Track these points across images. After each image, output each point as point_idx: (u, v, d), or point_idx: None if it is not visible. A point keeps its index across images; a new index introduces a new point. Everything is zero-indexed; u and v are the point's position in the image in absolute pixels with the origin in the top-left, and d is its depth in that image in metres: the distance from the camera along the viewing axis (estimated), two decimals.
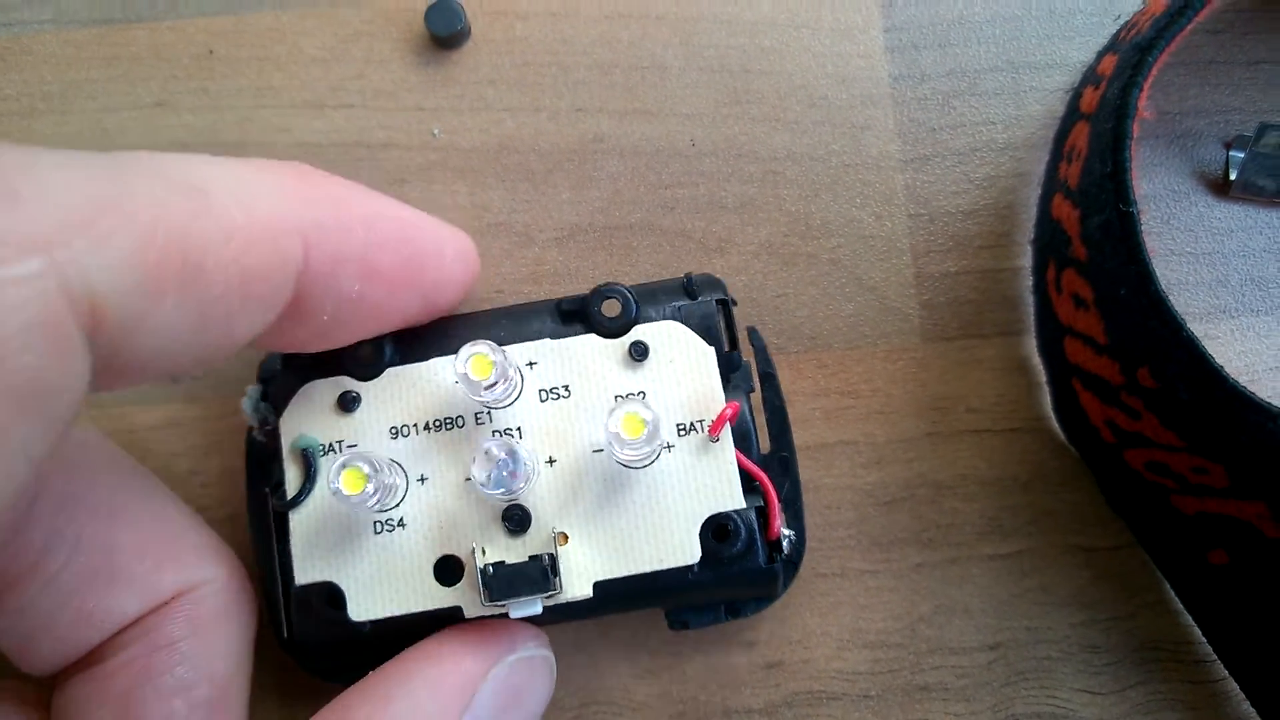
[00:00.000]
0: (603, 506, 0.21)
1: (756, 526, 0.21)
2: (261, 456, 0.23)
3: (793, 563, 0.23)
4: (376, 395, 0.22)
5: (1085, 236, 0.23)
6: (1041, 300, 0.25)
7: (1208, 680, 0.25)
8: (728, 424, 0.22)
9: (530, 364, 0.22)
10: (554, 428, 0.22)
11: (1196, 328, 0.25)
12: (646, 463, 0.22)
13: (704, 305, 0.23)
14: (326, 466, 0.22)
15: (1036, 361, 0.26)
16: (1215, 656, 0.25)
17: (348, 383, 0.22)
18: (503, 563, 0.21)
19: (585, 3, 0.28)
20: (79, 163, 0.15)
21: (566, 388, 0.22)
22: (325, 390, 0.22)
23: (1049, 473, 0.26)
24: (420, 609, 0.21)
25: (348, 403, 0.22)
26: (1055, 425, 0.26)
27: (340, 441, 0.22)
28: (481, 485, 0.20)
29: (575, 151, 0.27)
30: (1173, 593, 0.25)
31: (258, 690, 0.23)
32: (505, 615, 0.21)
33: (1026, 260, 0.26)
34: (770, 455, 0.23)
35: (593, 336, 0.22)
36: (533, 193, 0.27)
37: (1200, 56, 0.27)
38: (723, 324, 0.23)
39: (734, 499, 0.21)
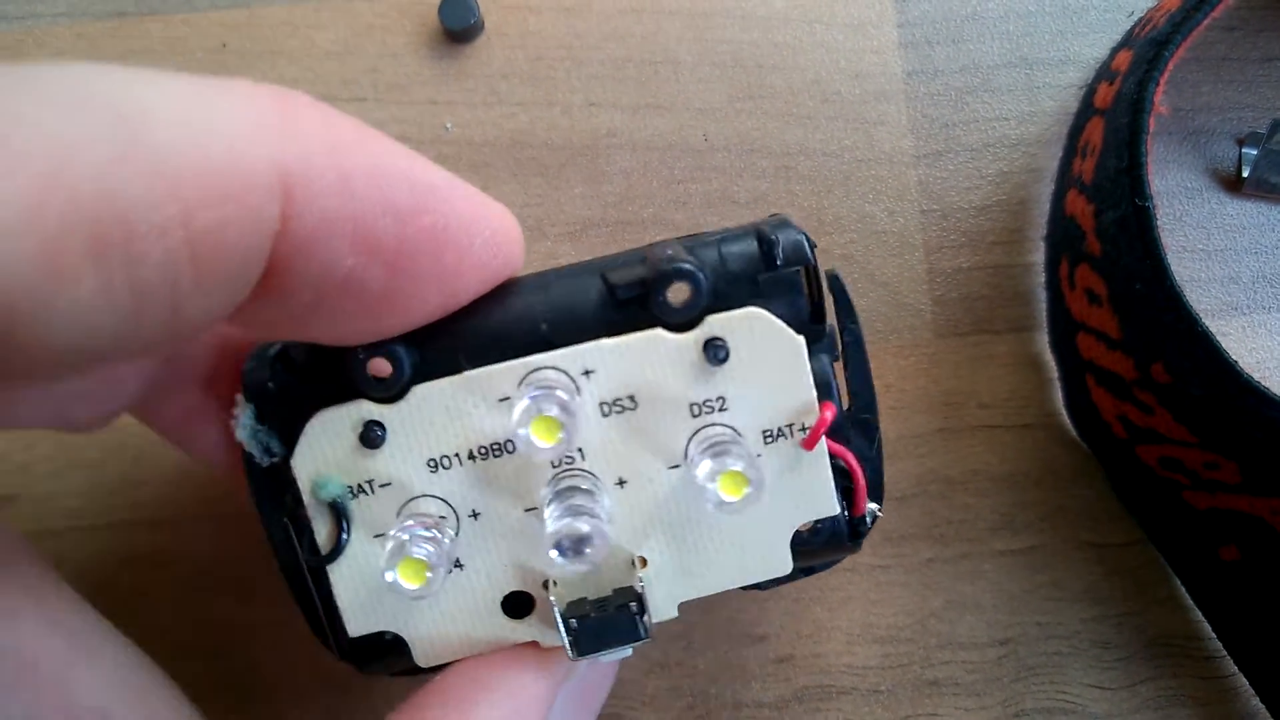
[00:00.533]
0: (684, 526, 0.19)
1: (845, 508, 0.19)
2: (271, 487, 0.19)
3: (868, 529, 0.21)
4: (404, 422, 0.18)
5: (1100, 231, 0.23)
6: (1054, 296, 0.25)
7: (1218, 676, 0.25)
8: (821, 436, 0.19)
9: (586, 372, 0.18)
10: (621, 446, 0.18)
11: (1208, 325, 0.26)
12: None
13: (788, 279, 0.18)
14: (359, 511, 0.18)
15: (1049, 357, 0.26)
16: (1225, 652, 0.25)
17: (367, 409, 0.18)
18: (586, 613, 0.18)
19: None
20: None
21: (632, 398, 0.18)
22: (341, 422, 0.18)
23: (1060, 469, 0.26)
24: (494, 644, 0.19)
25: (372, 437, 0.18)
26: (1067, 421, 0.26)
27: (371, 481, 0.18)
28: (563, 563, 0.17)
29: (588, 146, 0.27)
30: (1183, 589, 0.25)
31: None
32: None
33: (1039, 256, 0.26)
34: (851, 415, 0.20)
35: (658, 332, 0.18)
36: (545, 187, 0.27)
37: (1213, 53, 0.27)
38: (809, 298, 0.19)
39: (829, 506, 0.19)
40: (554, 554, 0.17)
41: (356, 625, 0.19)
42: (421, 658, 0.19)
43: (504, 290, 0.18)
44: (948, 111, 0.27)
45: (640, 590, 0.18)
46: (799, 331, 0.18)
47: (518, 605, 0.19)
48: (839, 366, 0.20)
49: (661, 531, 0.19)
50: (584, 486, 0.18)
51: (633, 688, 0.25)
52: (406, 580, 0.17)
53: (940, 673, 0.25)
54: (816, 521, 0.19)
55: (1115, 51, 0.26)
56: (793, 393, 0.18)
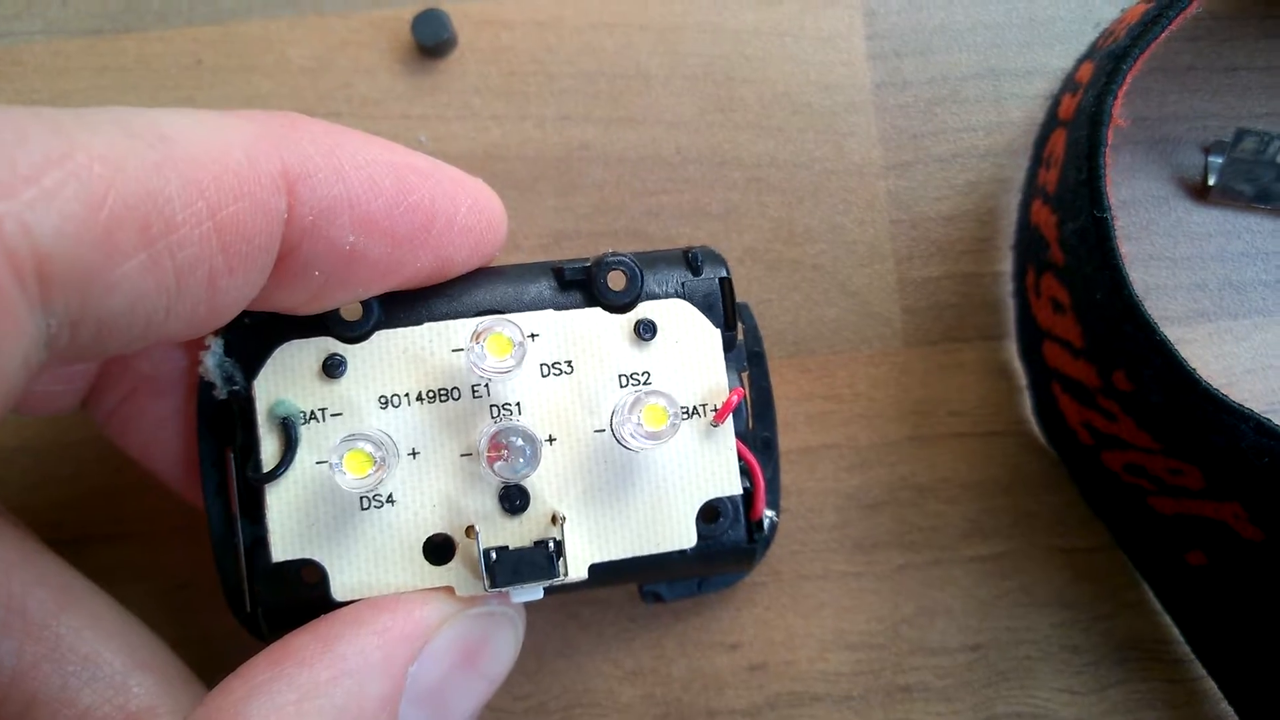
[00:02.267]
0: (602, 489, 0.21)
1: (743, 508, 0.21)
2: (218, 417, 0.21)
3: (766, 541, 0.24)
4: (364, 360, 0.20)
5: (1062, 241, 0.23)
6: (1022, 304, 0.26)
7: (1186, 679, 0.25)
8: (729, 416, 0.21)
9: (532, 335, 0.21)
10: (555, 405, 0.21)
11: (1174, 331, 0.26)
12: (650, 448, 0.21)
13: (707, 282, 0.22)
14: (308, 436, 0.20)
15: (1017, 365, 0.26)
16: (1194, 656, 0.25)
17: (332, 344, 0.20)
18: (505, 547, 0.20)
19: (570, 12, 0.28)
20: (38, 117, 0.14)
21: (569, 363, 0.21)
22: (306, 352, 0.20)
23: (1030, 475, 0.26)
24: (409, 588, 0.20)
25: (332, 367, 0.20)
26: (1036, 428, 0.26)
27: (324, 410, 0.20)
28: (496, 472, 0.19)
29: (561, 159, 0.27)
30: (1151, 593, 0.25)
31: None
32: (504, 596, 0.20)
33: (1007, 265, 0.27)
34: (754, 434, 0.23)
35: (597, 311, 0.21)
36: (519, 200, 0.27)
37: (1179, 63, 0.28)
38: (723, 303, 0.22)
39: (731, 485, 0.21)
40: (489, 457, 0.19)
41: (283, 550, 0.20)
42: (338, 590, 0.20)
43: (469, 275, 0.21)
44: (916, 122, 0.27)
45: (560, 539, 0.20)
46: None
47: (438, 550, 0.20)
48: (746, 379, 0.23)
49: (582, 492, 0.21)
50: (518, 418, 0.21)
51: (606, 696, 0.25)
52: (351, 471, 0.19)
53: (912, 678, 0.25)
54: (719, 506, 0.21)
55: (1079, 63, 0.26)
56: (707, 375, 0.21)
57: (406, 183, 0.19)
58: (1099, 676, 0.25)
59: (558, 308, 0.21)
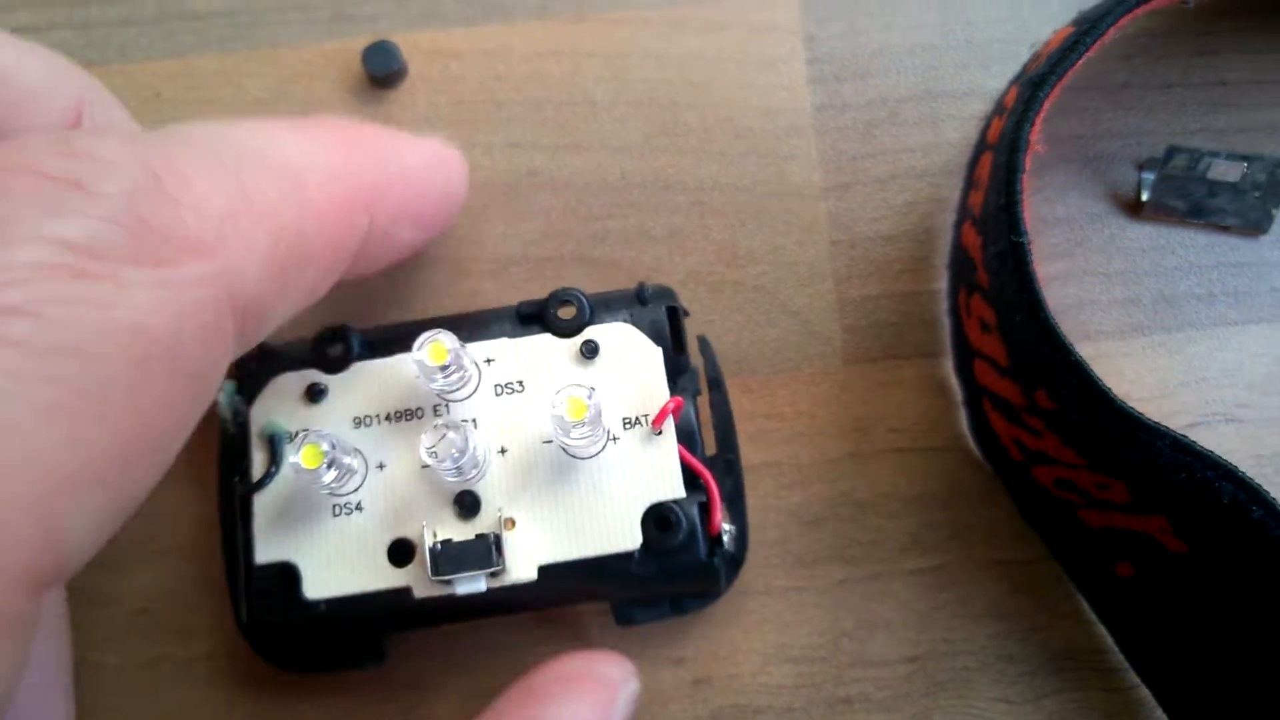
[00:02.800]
0: (549, 493, 0.23)
1: (699, 521, 0.23)
2: (233, 449, 0.24)
3: (735, 561, 0.25)
4: (343, 387, 0.23)
5: (986, 264, 0.23)
6: (955, 323, 0.26)
7: (1122, 688, 0.26)
8: (670, 418, 0.23)
9: (488, 360, 0.24)
10: (507, 420, 0.23)
11: (1109, 345, 0.27)
12: (592, 452, 0.23)
13: (654, 310, 0.24)
14: (292, 452, 0.22)
15: (954, 381, 0.27)
16: (1128, 665, 0.25)
17: (316, 375, 0.24)
18: (450, 540, 0.22)
19: (518, 40, 0.29)
20: (202, 157, 0.16)
21: (520, 383, 0.23)
22: (294, 382, 0.24)
23: (967, 489, 0.26)
24: (372, 588, 0.22)
25: (315, 394, 0.23)
26: (972, 443, 0.27)
27: (305, 430, 0.22)
28: (433, 462, 0.21)
29: (509, 185, 0.28)
30: (1086, 604, 0.26)
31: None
32: (452, 595, 0.22)
33: (944, 283, 0.27)
34: (715, 457, 0.25)
35: (548, 336, 0.24)
36: (468, 226, 0.28)
37: (1113, 81, 0.28)
38: (669, 329, 0.24)
39: (674, 489, 0.23)
40: (426, 443, 0.21)
41: (264, 552, 0.23)
42: (310, 587, 0.22)
43: (443, 318, 0.25)
44: (856, 144, 0.28)
45: (499, 533, 0.22)
46: (665, 362, 0.24)
47: (401, 553, 0.22)
48: (703, 404, 0.25)
49: (531, 497, 0.23)
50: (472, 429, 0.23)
51: None
52: (305, 462, 0.21)
53: (852, 690, 0.26)
54: (670, 515, 0.22)
55: (1009, 87, 0.26)
56: (649, 389, 0.23)
57: (435, 177, 0.23)
58: (1035, 686, 0.26)
59: (513, 336, 0.24)
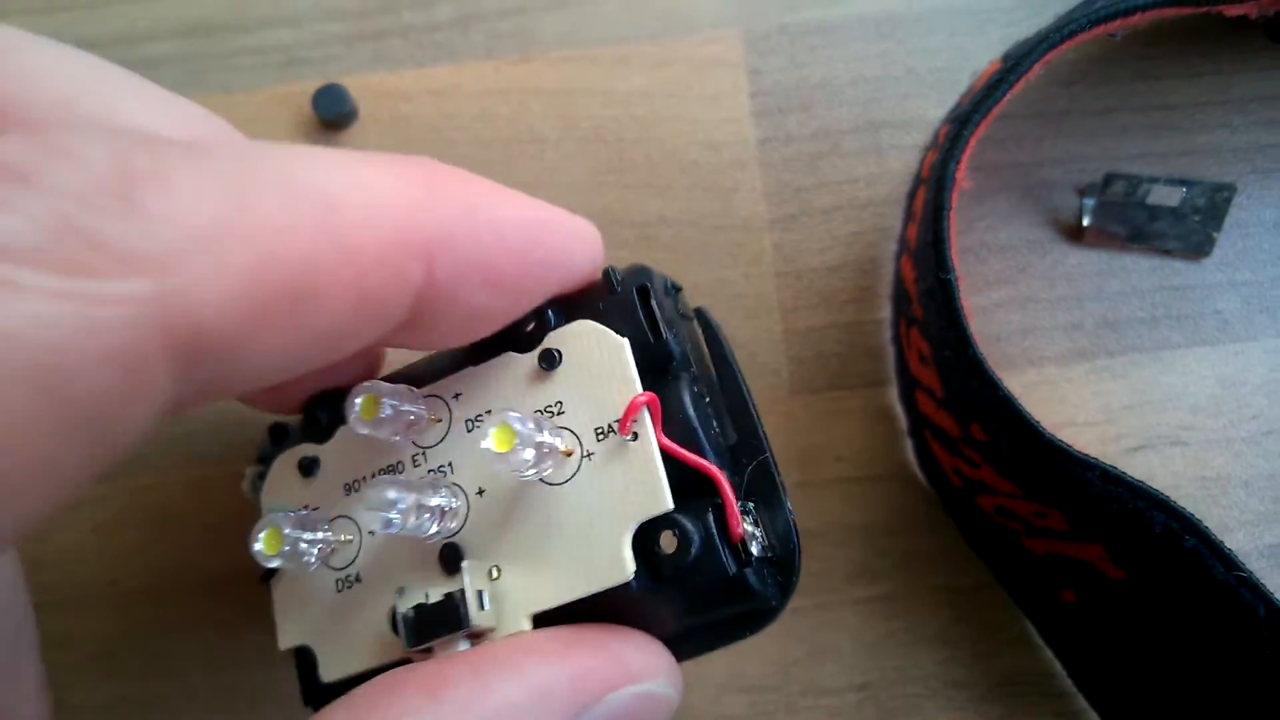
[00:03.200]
0: (532, 532, 0.20)
1: (715, 529, 0.18)
2: None
3: (784, 565, 0.20)
4: (332, 455, 0.22)
5: (919, 297, 0.24)
6: (898, 352, 0.27)
7: (1070, 713, 0.26)
8: (645, 418, 0.19)
9: (456, 395, 0.21)
10: (479, 457, 0.20)
11: (1054, 371, 0.27)
12: (566, 476, 0.20)
13: (626, 296, 0.20)
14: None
15: (899, 410, 0.27)
16: (1076, 689, 0.26)
17: (308, 449, 0.22)
18: (423, 604, 0.19)
19: (466, 80, 0.29)
20: (210, 165, 0.14)
21: (488, 412, 0.21)
22: (291, 459, 0.22)
23: (914, 517, 0.27)
24: (377, 663, 0.20)
25: (307, 466, 0.22)
26: (917, 471, 0.27)
27: (305, 506, 0.22)
28: (379, 529, 0.19)
29: None
30: (1033, 629, 0.26)
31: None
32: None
33: (888, 312, 0.28)
34: (736, 446, 0.20)
35: (509, 354, 0.21)
36: None
37: (1054, 107, 0.29)
38: (641, 312, 0.20)
39: (659, 501, 0.19)
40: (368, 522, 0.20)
41: (286, 638, 0.21)
42: (325, 670, 0.21)
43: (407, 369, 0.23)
44: (800, 176, 0.28)
45: (479, 589, 0.19)
46: (646, 350, 0.20)
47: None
48: (717, 399, 0.21)
49: (513, 540, 0.20)
50: (443, 488, 0.20)
51: None
52: (266, 549, 0.19)
53: (804, 718, 0.26)
54: (675, 530, 0.18)
55: (942, 123, 0.27)
56: (618, 388, 0.19)
57: (534, 239, 0.19)
58: (984, 711, 0.26)
59: (477, 363, 0.21)
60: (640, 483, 0.19)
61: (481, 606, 0.19)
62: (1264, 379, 0.27)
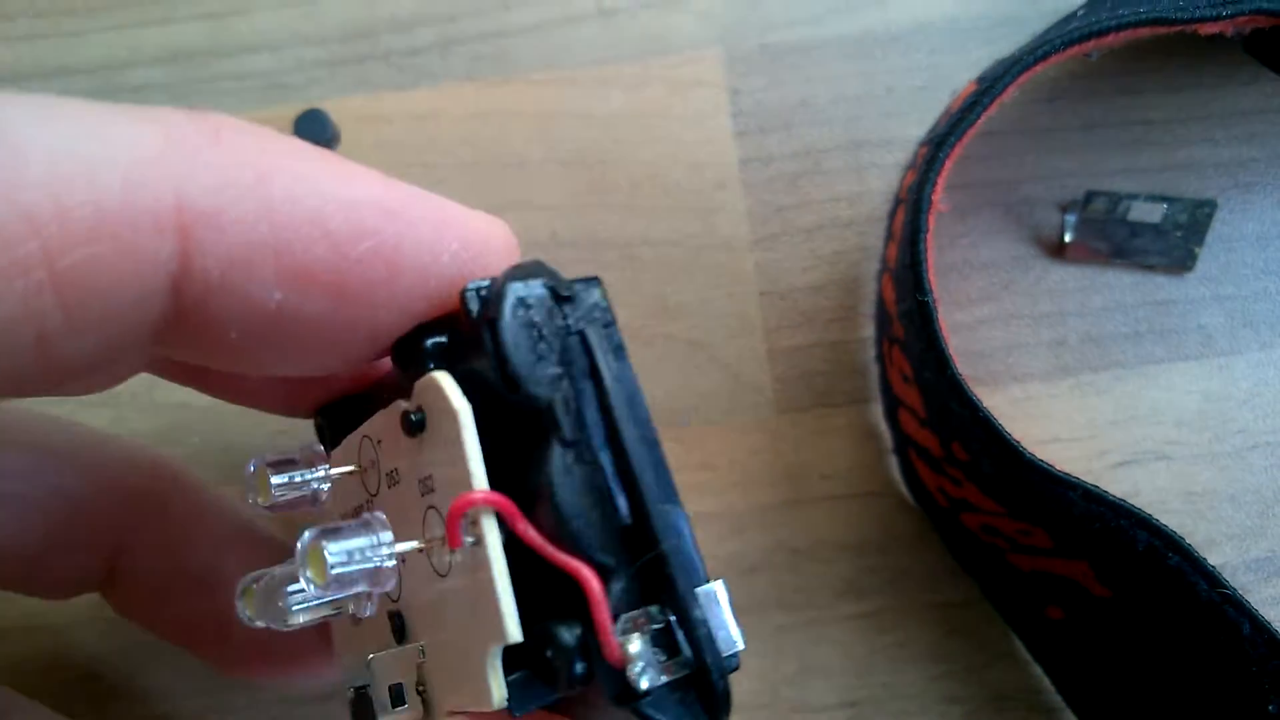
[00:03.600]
0: (437, 619, 0.16)
1: (577, 656, 0.14)
2: None
3: (703, 684, 0.14)
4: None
5: (899, 318, 0.24)
6: (881, 371, 0.27)
7: None
8: (485, 525, 0.14)
9: (378, 441, 0.17)
10: (394, 520, 0.16)
11: (1038, 387, 0.27)
12: (446, 571, 0.15)
13: (476, 338, 0.15)
14: None
15: (884, 428, 0.27)
16: (1065, 704, 0.26)
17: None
18: (364, 688, 0.18)
19: (447, 104, 0.29)
20: None
21: (396, 470, 0.17)
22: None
23: (901, 534, 0.27)
24: None
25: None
26: (904, 489, 0.27)
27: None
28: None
29: None
30: (1021, 644, 0.26)
31: None
32: None
33: (872, 331, 0.28)
34: (631, 521, 0.14)
35: (398, 402, 0.16)
36: None
37: (1036, 124, 0.29)
38: (492, 350, 0.14)
39: (501, 632, 0.14)
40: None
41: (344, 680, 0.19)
42: None
43: None
44: (782, 196, 0.28)
45: (368, 678, 0.18)
46: (505, 404, 0.15)
47: (361, 706, 0.18)
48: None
49: (421, 621, 0.16)
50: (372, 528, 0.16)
51: None
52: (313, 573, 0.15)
53: None
54: (546, 650, 0.14)
55: (921, 142, 0.27)
56: (460, 475, 0.15)
57: (364, 225, 0.14)
58: None
59: (386, 406, 0.17)
60: (484, 607, 0.14)
61: (401, 702, 0.17)
62: (1248, 393, 0.27)
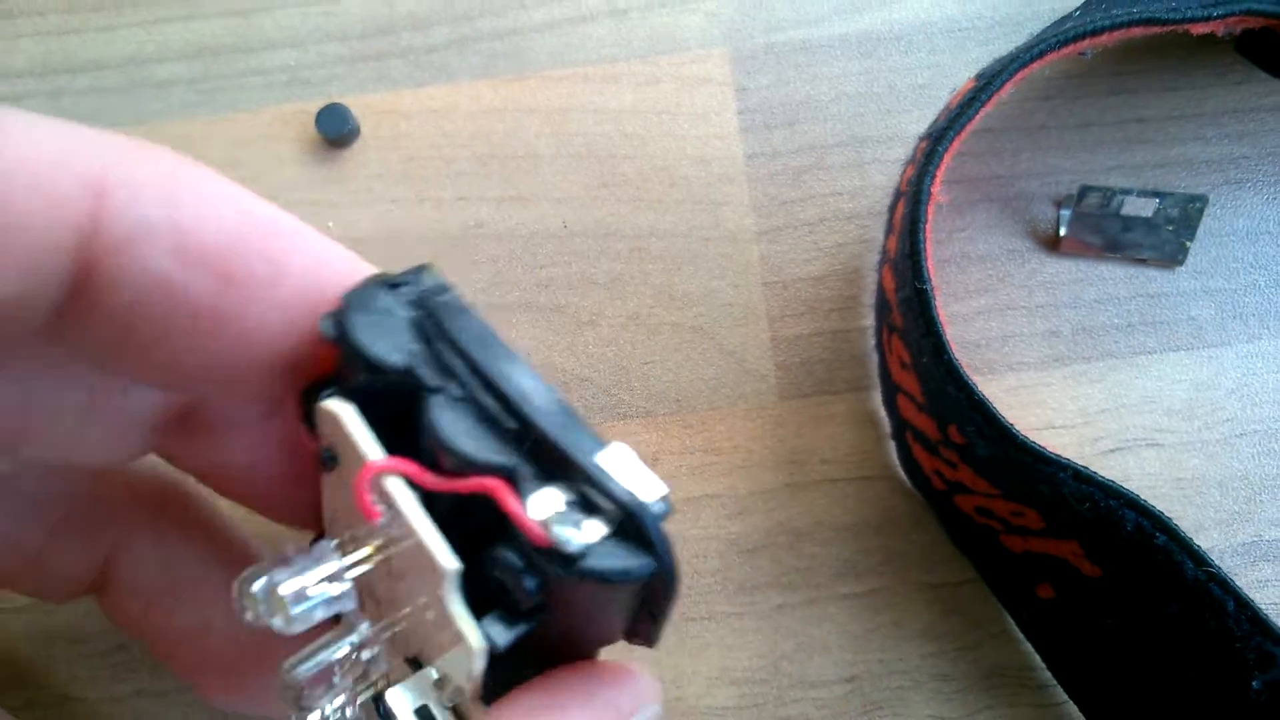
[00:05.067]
0: (416, 627, 0.17)
1: (518, 554, 0.14)
2: None
3: (635, 524, 0.14)
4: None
5: (898, 306, 0.25)
6: (880, 359, 0.28)
7: (1050, 704, 0.27)
8: (395, 484, 0.15)
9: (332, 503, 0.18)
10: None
11: (1032, 376, 0.28)
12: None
13: (338, 344, 0.16)
14: None
15: (883, 414, 0.28)
16: (1055, 681, 0.27)
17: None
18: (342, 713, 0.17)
19: (463, 99, 0.30)
20: None
21: (336, 510, 0.18)
22: None
23: (898, 516, 0.28)
24: None
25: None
26: (901, 473, 0.28)
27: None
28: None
29: (458, 238, 0.29)
30: (1013, 623, 0.27)
31: None
32: None
33: (872, 320, 0.29)
34: (516, 424, 0.15)
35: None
36: None
37: (1033, 122, 0.30)
38: (345, 350, 0.15)
39: (441, 569, 0.15)
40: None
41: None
42: None
43: None
44: (786, 190, 0.29)
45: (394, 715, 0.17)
46: (378, 389, 0.16)
47: None
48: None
49: (414, 635, 0.17)
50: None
51: None
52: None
53: (793, 710, 0.27)
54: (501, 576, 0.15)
55: (921, 138, 0.28)
56: (357, 460, 0.15)
57: (258, 226, 0.16)
58: (968, 703, 0.27)
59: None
60: (422, 558, 0.15)
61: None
62: (1237, 383, 0.28)
